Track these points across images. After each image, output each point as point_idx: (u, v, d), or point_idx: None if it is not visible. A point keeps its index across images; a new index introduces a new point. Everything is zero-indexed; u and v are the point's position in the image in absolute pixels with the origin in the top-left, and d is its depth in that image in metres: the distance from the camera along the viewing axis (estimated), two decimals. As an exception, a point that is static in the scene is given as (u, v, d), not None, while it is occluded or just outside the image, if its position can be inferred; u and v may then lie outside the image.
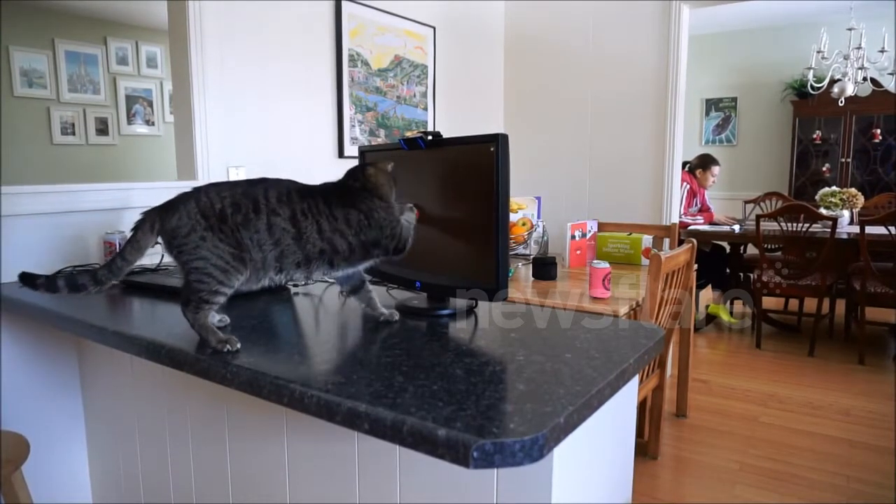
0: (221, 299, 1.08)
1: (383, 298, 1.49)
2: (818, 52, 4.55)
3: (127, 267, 1.10)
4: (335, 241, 1.13)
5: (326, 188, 1.18)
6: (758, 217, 3.78)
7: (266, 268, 1.10)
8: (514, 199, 2.71)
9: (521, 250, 2.75)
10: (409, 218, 1.24)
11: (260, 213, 1.09)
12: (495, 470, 0.98)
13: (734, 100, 6.38)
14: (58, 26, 4.94)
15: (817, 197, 4.36)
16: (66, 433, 1.87)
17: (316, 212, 1.12)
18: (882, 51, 4.44)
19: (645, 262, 2.62)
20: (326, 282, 1.70)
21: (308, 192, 1.15)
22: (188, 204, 1.08)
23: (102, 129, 5.28)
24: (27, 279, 1.13)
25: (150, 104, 5.60)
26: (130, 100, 5.46)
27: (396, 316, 1.26)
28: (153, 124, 5.63)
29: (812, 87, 4.77)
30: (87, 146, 5.20)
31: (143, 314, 1.43)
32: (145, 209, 1.11)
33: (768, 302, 4.48)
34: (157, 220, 1.08)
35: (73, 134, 5.10)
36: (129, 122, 5.46)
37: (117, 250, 1.76)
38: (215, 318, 1.17)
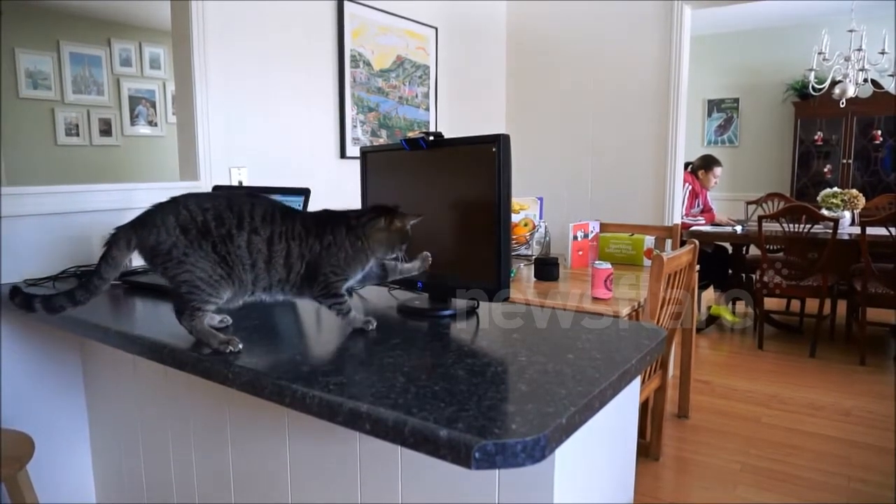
0: (213, 307, 1.07)
1: (384, 298, 1.49)
2: (819, 53, 4.56)
3: (104, 285, 1.06)
4: (293, 267, 1.09)
5: (318, 215, 1.14)
6: (759, 218, 3.78)
7: (244, 287, 1.09)
8: (516, 200, 2.72)
9: (522, 251, 2.75)
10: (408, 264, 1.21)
11: (242, 229, 1.06)
12: (497, 471, 0.98)
13: (736, 101, 6.37)
14: (62, 28, 4.95)
15: (819, 198, 4.36)
16: (70, 432, 1.88)
17: (290, 235, 1.09)
18: (883, 52, 4.44)
19: (647, 262, 2.62)
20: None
21: (289, 214, 1.11)
22: (166, 219, 1.04)
23: (106, 129, 5.29)
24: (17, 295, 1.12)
25: (154, 105, 5.61)
26: (134, 101, 5.47)
27: (372, 325, 1.17)
28: (156, 125, 5.64)
29: (813, 89, 4.77)
30: (91, 147, 5.21)
31: (146, 314, 1.43)
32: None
33: (770, 303, 4.47)
34: (133, 237, 1.05)
35: (77, 135, 5.11)
36: (133, 123, 5.47)
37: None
38: (216, 318, 1.17)
